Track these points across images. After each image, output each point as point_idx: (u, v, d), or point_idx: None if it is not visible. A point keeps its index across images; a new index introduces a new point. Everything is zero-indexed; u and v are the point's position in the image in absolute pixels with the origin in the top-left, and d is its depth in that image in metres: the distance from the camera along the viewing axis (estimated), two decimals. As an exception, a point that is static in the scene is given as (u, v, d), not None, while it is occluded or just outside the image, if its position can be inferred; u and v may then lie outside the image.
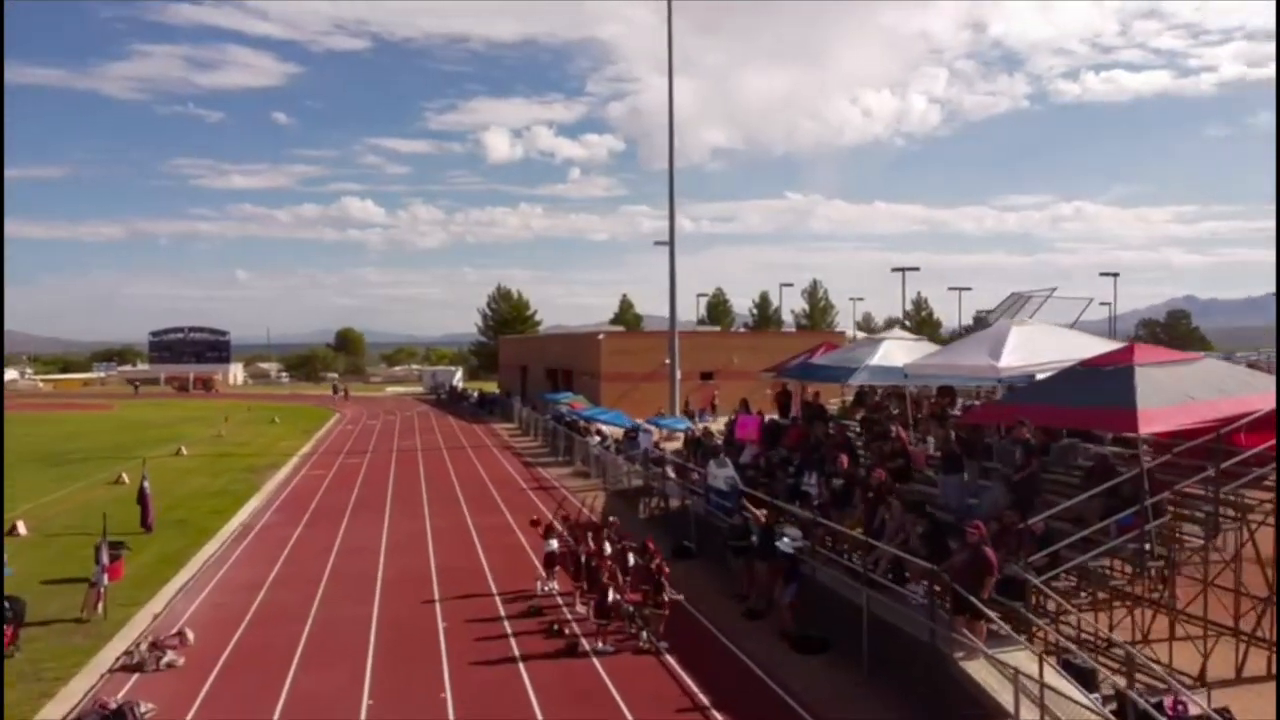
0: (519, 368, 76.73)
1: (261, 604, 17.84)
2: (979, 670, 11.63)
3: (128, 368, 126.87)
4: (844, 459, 18.48)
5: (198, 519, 25.84)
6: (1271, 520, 13.57)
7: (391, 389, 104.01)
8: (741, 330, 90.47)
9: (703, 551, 20.88)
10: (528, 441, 47.39)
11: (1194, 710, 10.60)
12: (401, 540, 23.51)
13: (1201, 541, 13.48)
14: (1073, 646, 12.79)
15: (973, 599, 11.87)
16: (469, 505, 28.57)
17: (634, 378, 52.10)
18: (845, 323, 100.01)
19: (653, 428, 35.04)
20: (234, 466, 37.38)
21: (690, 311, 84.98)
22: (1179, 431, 13.29)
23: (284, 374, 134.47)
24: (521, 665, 14.31)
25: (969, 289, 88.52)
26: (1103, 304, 63.23)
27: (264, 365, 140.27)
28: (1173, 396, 13.49)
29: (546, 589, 18.00)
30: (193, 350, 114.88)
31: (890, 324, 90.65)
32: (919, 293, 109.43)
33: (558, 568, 18.22)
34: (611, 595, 15.56)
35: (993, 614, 11.97)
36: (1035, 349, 17.26)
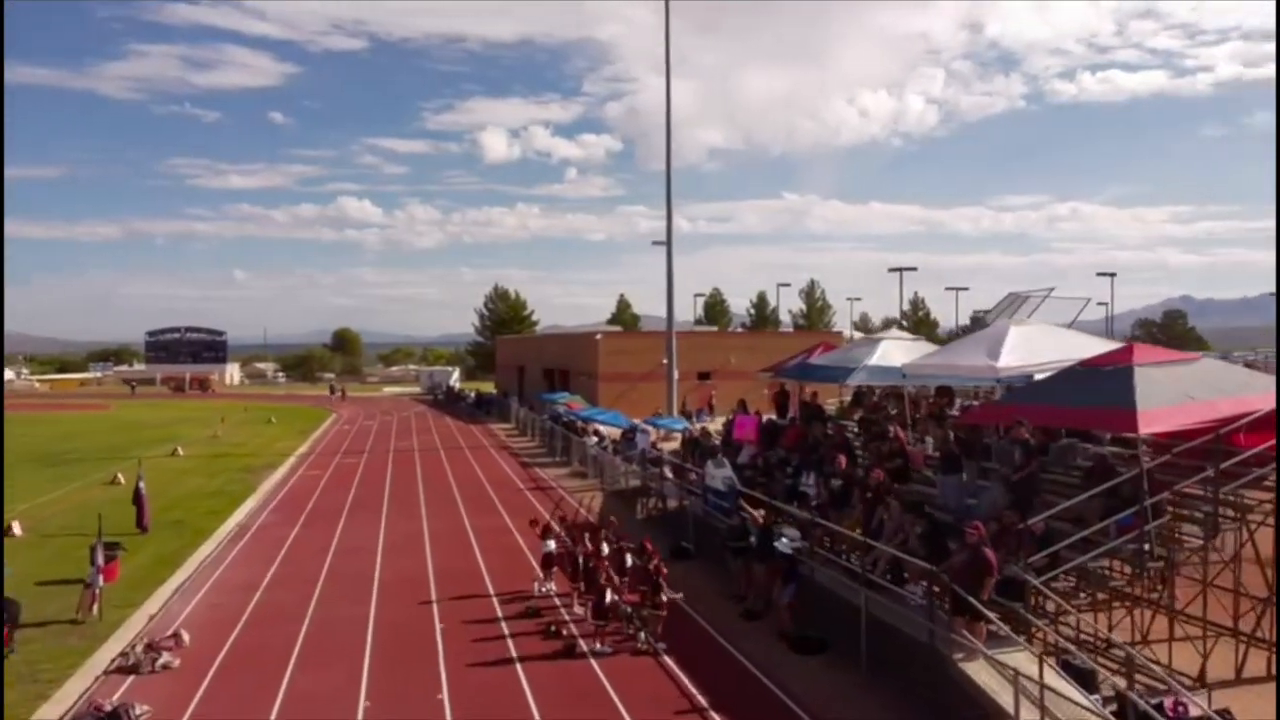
0: (516, 368, 76.66)
1: (258, 605, 17.77)
2: (978, 671, 11.59)
3: (124, 368, 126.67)
4: (842, 459, 18.45)
5: (194, 520, 25.75)
6: (1271, 521, 13.55)
7: (388, 389, 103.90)
8: (739, 330, 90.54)
9: (700, 552, 20.84)
10: (525, 442, 47.32)
11: (1194, 712, 10.58)
12: (399, 541, 23.44)
13: (1201, 542, 13.47)
14: (1072, 647, 12.76)
15: (972, 600, 11.82)
16: (466, 506, 28.50)
17: (631, 378, 52.06)
18: (842, 323, 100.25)
19: (650, 428, 34.97)
20: (230, 467, 37.28)
21: (687, 311, 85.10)
22: (1178, 432, 13.27)
23: (281, 374, 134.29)
24: (519, 666, 14.26)
25: (966, 289, 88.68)
26: (1100, 304, 63.30)
27: (261, 365, 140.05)
28: (1172, 397, 13.47)
29: (544, 590, 17.95)
30: (189, 350, 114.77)
31: (887, 324, 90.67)
32: (916, 293, 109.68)
33: (555, 568, 18.16)
34: (609, 596, 15.51)
35: (992, 615, 11.93)
36: (1034, 349, 17.24)
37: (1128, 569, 13.56)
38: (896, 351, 22.02)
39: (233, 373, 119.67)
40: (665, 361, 43.07)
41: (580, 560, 17.14)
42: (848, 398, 28.74)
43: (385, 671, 14.11)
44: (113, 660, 14.52)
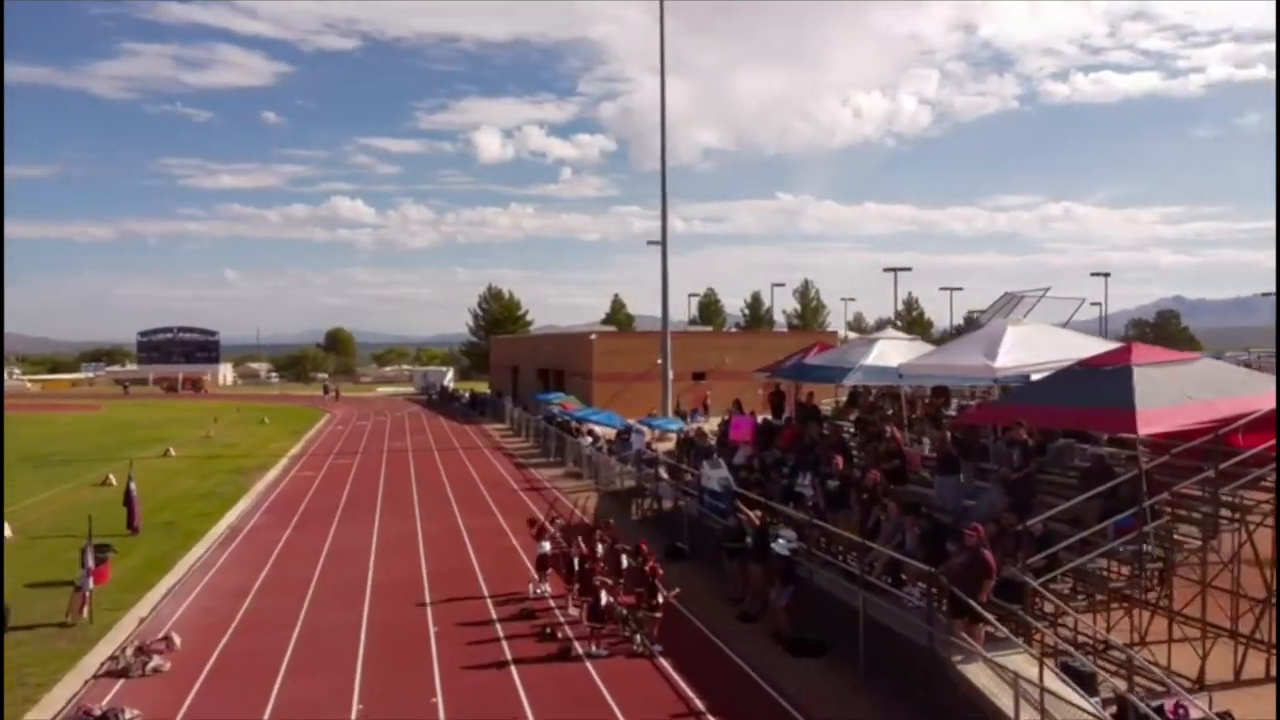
0: (510, 368, 76.52)
1: (250, 608, 17.61)
2: (977, 674, 11.50)
3: (116, 368, 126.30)
4: (839, 460, 18.35)
5: (185, 521, 25.57)
6: (1269, 521, 13.49)
7: (382, 389, 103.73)
8: (733, 330, 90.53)
9: (696, 553, 20.73)
10: (519, 442, 47.19)
11: (1195, 714, 10.51)
12: (392, 542, 23.29)
13: (1199, 543, 13.40)
14: (1071, 649, 12.68)
15: (971, 602, 11.73)
16: (460, 507, 28.36)
17: (626, 378, 51.97)
18: (837, 323, 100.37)
19: (645, 428, 34.89)
20: (222, 468, 37.11)
21: (682, 312, 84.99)
22: (1177, 432, 13.19)
23: (274, 374, 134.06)
24: (514, 669, 14.13)
25: (960, 289, 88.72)
26: (1093, 304, 63.31)
27: (254, 365, 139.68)
28: (1171, 397, 13.39)
29: (539, 592, 17.84)
30: (182, 350, 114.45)
31: (881, 324, 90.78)
32: (910, 293, 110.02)
33: (550, 570, 18.04)
34: (605, 598, 15.41)
35: (990, 617, 11.85)
36: (1031, 349, 17.14)
37: (1125, 570, 13.49)
38: (893, 351, 21.92)
39: (226, 373, 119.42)
40: (660, 362, 42.98)
41: (576, 562, 17.03)
42: (843, 398, 28.67)
43: (379, 675, 13.97)
44: (102, 664, 14.35)
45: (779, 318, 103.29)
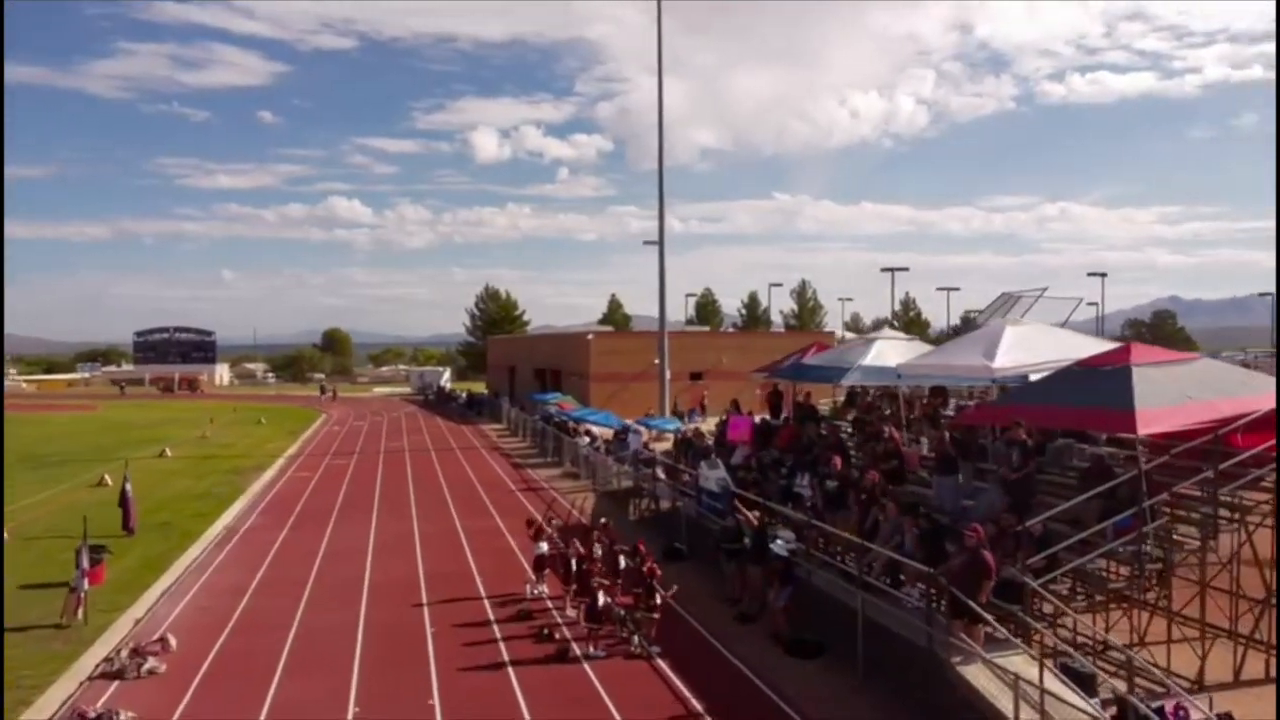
0: (507, 368, 76.44)
1: (245, 609, 17.53)
2: (977, 675, 11.46)
3: (112, 368, 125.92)
4: (837, 460, 18.30)
5: (181, 522, 25.48)
6: (1269, 522, 13.46)
7: (379, 390, 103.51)
8: (730, 330, 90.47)
9: (694, 554, 20.68)
10: (516, 442, 47.12)
11: (1196, 715, 10.47)
12: (389, 543, 23.22)
13: (1198, 543, 13.36)
14: (1071, 650, 12.64)
15: (970, 603, 11.69)
16: (457, 507, 28.29)
17: (623, 378, 51.93)
18: (834, 323, 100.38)
19: (642, 428, 34.84)
20: (219, 468, 37.01)
21: (679, 311, 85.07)
22: (1177, 432, 13.16)
23: (270, 374, 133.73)
24: (511, 670, 14.07)
25: (957, 289, 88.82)
26: (1090, 304, 63.35)
27: (250, 366, 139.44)
28: (1171, 397, 13.35)
29: (536, 593, 17.78)
30: (178, 350, 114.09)
31: (878, 324, 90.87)
32: (907, 293, 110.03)
33: (548, 571, 17.99)
34: (602, 599, 15.35)
35: (990, 618, 11.81)
36: (1030, 349, 17.11)
37: (1125, 570, 13.46)
38: (891, 352, 21.89)
39: (222, 373, 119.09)
40: (657, 362, 42.93)
41: (573, 562, 16.97)
42: (841, 398, 28.63)
43: (375, 676, 13.91)
44: (97, 666, 14.28)
45: (776, 318, 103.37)
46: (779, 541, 15.86)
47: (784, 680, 13.61)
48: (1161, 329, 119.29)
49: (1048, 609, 13.57)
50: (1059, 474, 15.94)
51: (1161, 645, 14.09)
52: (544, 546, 18.23)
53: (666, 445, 33.06)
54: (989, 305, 28.16)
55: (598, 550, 17.56)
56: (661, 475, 25.83)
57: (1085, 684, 11.05)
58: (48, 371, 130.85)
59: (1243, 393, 13.84)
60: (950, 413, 21.10)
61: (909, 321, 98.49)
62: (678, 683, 13.59)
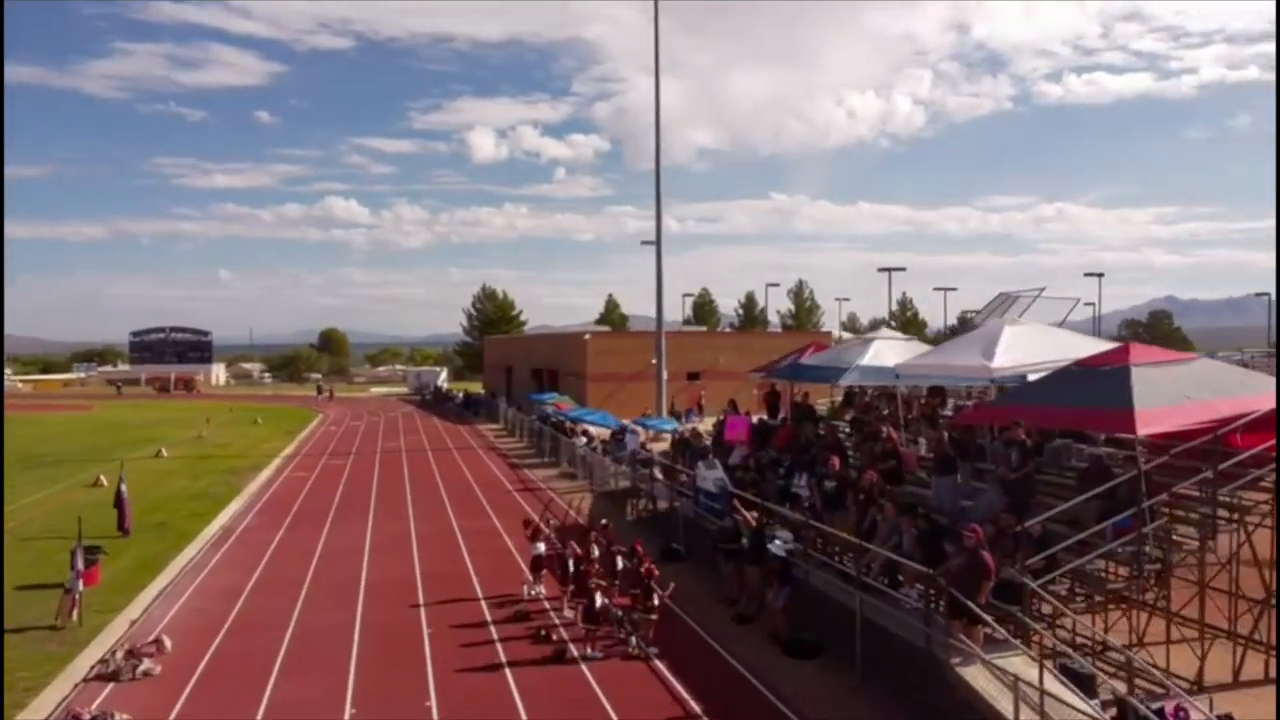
0: (504, 368, 76.36)
1: (241, 610, 17.47)
2: (976, 676, 11.42)
3: (108, 368, 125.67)
4: (835, 461, 18.26)
5: (177, 522, 25.40)
6: (1268, 522, 13.43)
7: (376, 389, 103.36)
8: (727, 330, 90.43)
9: (691, 554, 20.63)
10: (513, 443, 47.05)
11: (1196, 717, 10.43)
12: (385, 543, 23.16)
13: (1197, 544, 13.33)
14: (1070, 651, 12.60)
15: (970, 604, 11.65)
16: (454, 508, 28.23)
17: (620, 378, 51.87)
18: (831, 323, 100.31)
19: (639, 428, 34.78)
20: (215, 468, 36.91)
21: (676, 311, 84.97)
22: (1176, 432, 13.13)
23: (267, 374, 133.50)
24: (508, 671, 14.02)
25: (954, 289, 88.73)
26: (1087, 304, 63.36)
27: (247, 366, 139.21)
28: (1170, 397, 13.33)
29: (533, 593, 17.72)
30: (174, 350, 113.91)
31: (875, 324, 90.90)
32: (904, 293, 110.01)
33: (545, 571, 17.93)
34: (600, 600, 15.30)
35: (989, 619, 11.77)
36: (1029, 349, 17.08)
37: (1123, 571, 13.43)
38: (889, 351, 21.86)
39: (218, 373, 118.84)
40: (654, 362, 42.89)
41: (570, 563, 16.92)
42: (838, 398, 28.59)
43: (371, 677, 13.85)
44: (92, 667, 14.21)
45: (773, 318, 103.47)
46: (777, 542, 15.82)
47: (782, 681, 13.57)
48: (1158, 329, 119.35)
49: (1046, 609, 13.54)
50: (1057, 474, 15.91)
51: (1160, 646, 14.07)
52: (541, 547, 18.18)
53: (664, 445, 33.03)
54: (986, 305, 28.16)
55: (595, 551, 17.51)
56: (659, 475, 25.78)
57: (1085, 685, 11.01)
58: (44, 371, 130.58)
59: (1241, 393, 13.82)
60: (948, 413, 21.07)
61: (906, 321, 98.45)
62: (675, 684, 13.54)
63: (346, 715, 12.52)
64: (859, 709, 12.61)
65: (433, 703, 12.90)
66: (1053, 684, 10.62)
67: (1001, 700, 10.74)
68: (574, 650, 14.78)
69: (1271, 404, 13.14)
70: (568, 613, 16.49)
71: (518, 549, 20.98)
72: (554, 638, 15.39)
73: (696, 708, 12.71)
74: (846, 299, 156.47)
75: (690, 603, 17.14)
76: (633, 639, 14.87)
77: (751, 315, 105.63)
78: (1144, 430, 12.90)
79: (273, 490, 32.34)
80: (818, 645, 14.54)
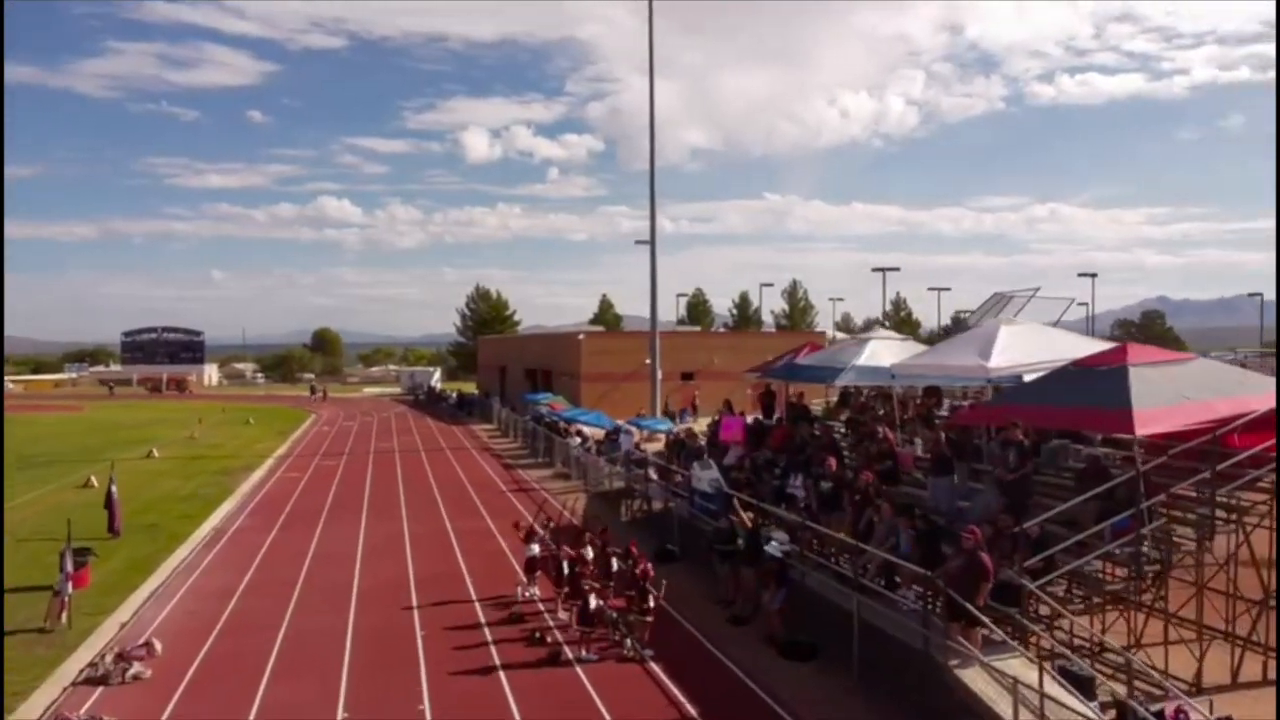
0: (498, 368, 76.23)
1: (233, 612, 17.31)
2: (974, 678, 11.35)
3: (100, 368, 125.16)
4: (831, 461, 18.18)
5: (168, 523, 25.22)
6: (1266, 523, 13.37)
7: (369, 390, 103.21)
8: (721, 330, 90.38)
9: (686, 555, 20.54)
10: (507, 443, 46.92)
11: (1196, 718, 10.36)
12: (379, 545, 23.01)
13: (1195, 544, 13.27)
14: (1069, 653, 12.52)
15: (968, 605, 11.57)
16: (448, 508, 28.08)
17: (614, 378, 51.76)
18: (824, 323, 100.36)
19: (634, 429, 34.69)
20: (207, 469, 36.72)
21: (670, 312, 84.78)
22: (1174, 433, 13.07)
23: (259, 375, 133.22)
24: (502, 674, 13.91)
25: (948, 289, 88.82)
26: (1080, 304, 63.44)
27: (239, 366, 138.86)
28: (1167, 397, 13.27)
29: (528, 595, 17.61)
30: (166, 351, 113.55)
31: (869, 324, 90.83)
32: (898, 293, 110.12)
33: (539, 573, 17.81)
34: (595, 602, 15.18)
35: (987, 620, 11.69)
36: (1025, 349, 17.03)
37: (1120, 572, 13.36)
38: (885, 352, 21.82)
39: (211, 373, 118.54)
40: (648, 362, 42.77)
41: (565, 565, 16.81)
42: (834, 398, 28.52)
43: (364, 680, 13.72)
44: (81, 670, 14.06)
45: (767, 318, 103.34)
46: (773, 543, 15.72)
47: (778, 683, 13.49)
48: (1150, 329, 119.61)
49: (1044, 611, 13.46)
50: (1055, 475, 15.84)
51: (1158, 647, 14.00)
52: (535, 548, 18.06)
53: (658, 446, 32.95)
54: (981, 305, 28.16)
55: (590, 552, 17.41)
56: (654, 476, 25.68)
57: (1084, 687, 10.93)
58: (35, 371, 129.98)
59: (1240, 393, 13.77)
60: (944, 413, 21.01)
61: (900, 321, 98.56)
62: (671, 686, 13.45)
63: (339, 718, 12.41)
64: (856, 711, 12.53)
65: (426, 705, 12.78)
66: (1052, 686, 10.55)
67: (1000, 703, 10.67)
68: (569, 652, 14.68)
69: (1270, 404, 13.09)
70: (562, 615, 16.36)
71: (512, 550, 20.86)
72: (548, 640, 15.29)
73: (692, 710, 12.62)
74: (840, 299, 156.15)
75: (685, 604, 17.06)
76: (628, 641, 14.77)
77: (746, 315, 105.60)
78: (1142, 430, 12.83)
79: (265, 491, 32.15)
80: (814, 647, 14.45)
